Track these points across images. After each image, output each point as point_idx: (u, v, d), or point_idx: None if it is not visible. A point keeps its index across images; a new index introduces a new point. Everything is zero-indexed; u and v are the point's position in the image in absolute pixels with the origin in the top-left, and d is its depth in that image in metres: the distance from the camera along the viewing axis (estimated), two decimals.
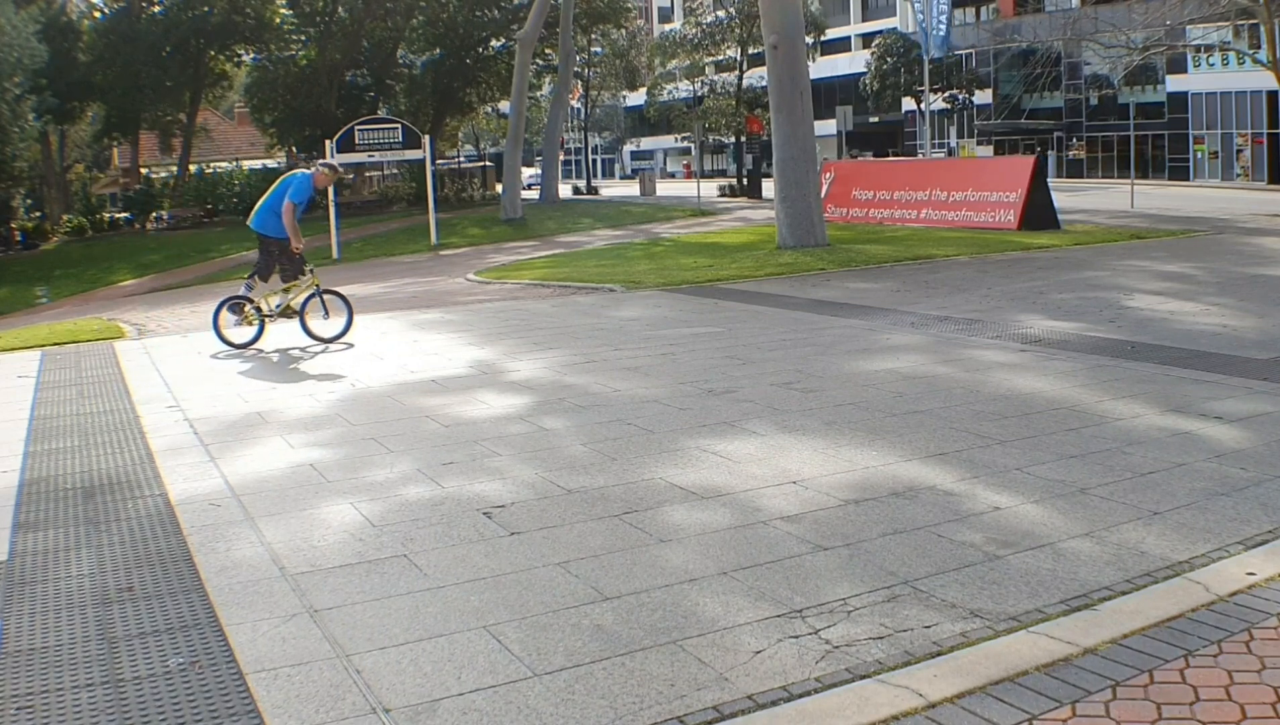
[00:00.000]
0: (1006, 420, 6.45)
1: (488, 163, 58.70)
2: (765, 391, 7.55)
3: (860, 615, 3.82)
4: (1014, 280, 13.49)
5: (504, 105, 51.41)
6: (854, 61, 62.56)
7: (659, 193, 52.73)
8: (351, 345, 10.49)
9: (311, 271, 10.71)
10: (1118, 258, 15.81)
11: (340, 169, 12.54)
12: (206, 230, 41.33)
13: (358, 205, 45.29)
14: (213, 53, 48.41)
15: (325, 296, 10.71)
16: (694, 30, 51.80)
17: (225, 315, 10.79)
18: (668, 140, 75.25)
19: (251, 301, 10.67)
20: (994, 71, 57.00)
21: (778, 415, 6.82)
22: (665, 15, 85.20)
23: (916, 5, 36.37)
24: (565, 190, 51.82)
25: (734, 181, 50.60)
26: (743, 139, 49.90)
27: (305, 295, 10.67)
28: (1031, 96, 56.41)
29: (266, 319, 10.67)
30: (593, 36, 55.03)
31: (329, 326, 10.71)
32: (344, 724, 3.23)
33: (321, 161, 11.60)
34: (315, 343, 10.69)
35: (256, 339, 10.65)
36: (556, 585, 4.20)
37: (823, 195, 21.34)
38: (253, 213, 10.96)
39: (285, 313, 10.75)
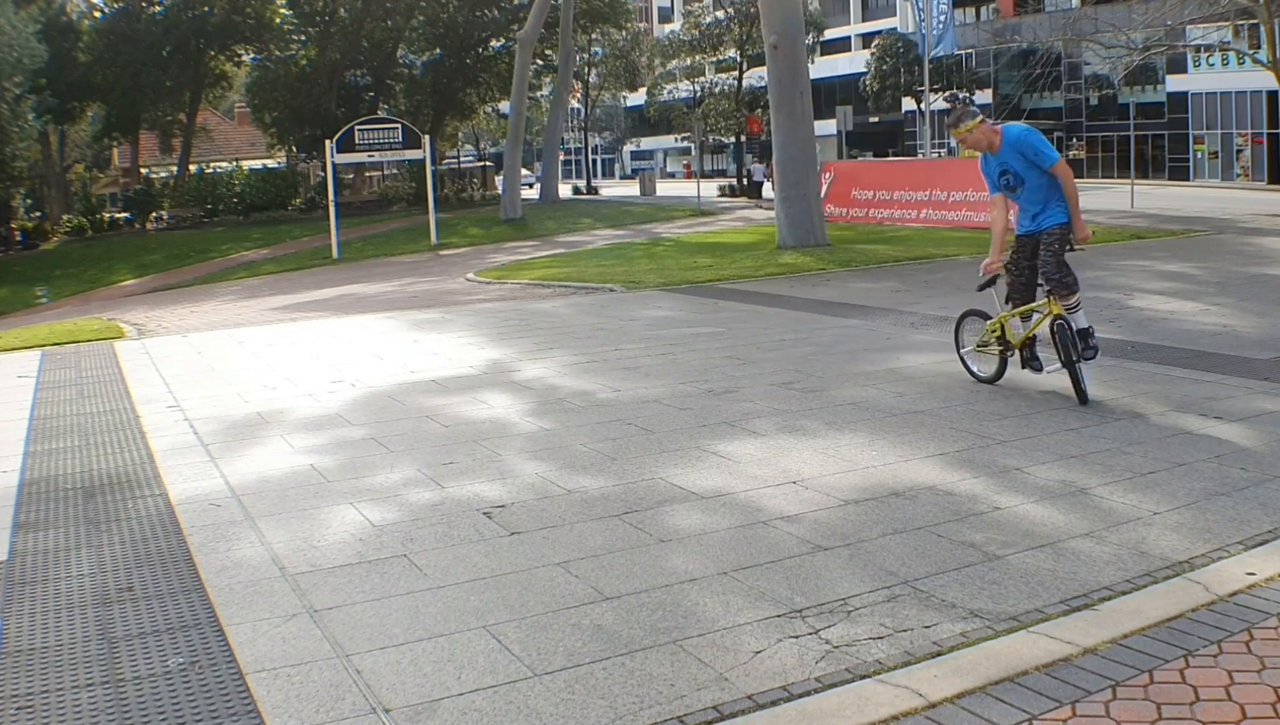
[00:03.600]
0: (1006, 420, 6.45)
1: (488, 163, 58.80)
2: (766, 391, 7.55)
3: (860, 615, 3.82)
4: None
5: (504, 105, 51.40)
6: (854, 61, 62.53)
7: (659, 193, 52.74)
8: (1085, 402, 6.84)
9: (1049, 296, 6.92)
10: (1118, 258, 15.79)
11: (972, 108, 7.16)
12: (206, 230, 41.35)
13: (358, 205, 45.34)
14: (213, 53, 48.45)
15: (1060, 331, 6.83)
16: (693, 32, 51.80)
17: (964, 336, 7.80)
18: (668, 140, 75.28)
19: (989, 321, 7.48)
20: (994, 71, 56.99)
21: (778, 415, 6.81)
22: (665, 15, 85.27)
23: (917, 5, 36.36)
24: (565, 190, 51.86)
25: (734, 181, 50.62)
26: (743, 139, 49.89)
27: (1043, 325, 7.09)
28: (1031, 96, 56.38)
29: (1006, 351, 7.38)
30: (593, 37, 55.07)
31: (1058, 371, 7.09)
32: (344, 724, 3.23)
33: (958, 102, 7.50)
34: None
35: (999, 376, 7.47)
36: (557, 585, 4.20)
37: (823, 195, 21.34)
38: None
39: (1022, 347, 7.32)
